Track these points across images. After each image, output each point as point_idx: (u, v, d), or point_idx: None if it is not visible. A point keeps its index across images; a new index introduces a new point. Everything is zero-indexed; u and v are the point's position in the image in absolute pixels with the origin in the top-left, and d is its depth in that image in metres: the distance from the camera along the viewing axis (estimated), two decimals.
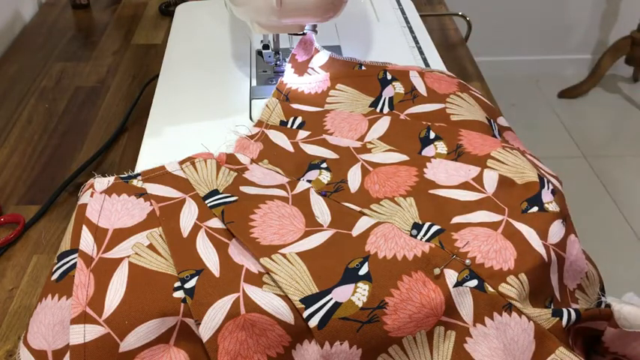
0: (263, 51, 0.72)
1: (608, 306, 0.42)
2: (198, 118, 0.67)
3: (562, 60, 2.41)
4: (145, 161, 0.61)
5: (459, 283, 0.43)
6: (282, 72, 0.72)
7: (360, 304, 0.42)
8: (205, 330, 0.42)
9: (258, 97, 0.69)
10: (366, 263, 0.44)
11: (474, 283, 0.43)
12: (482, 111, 0.62)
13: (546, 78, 2.38)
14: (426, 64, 0.77)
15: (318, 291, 0.43)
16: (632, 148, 2.02)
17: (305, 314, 0.42)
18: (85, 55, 0.97)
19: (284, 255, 0.45)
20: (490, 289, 0.42)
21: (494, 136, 0.58)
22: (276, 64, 0.74)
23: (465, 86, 0.65)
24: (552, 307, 0.44)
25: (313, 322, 0.41)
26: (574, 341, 0.44)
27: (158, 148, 0.63)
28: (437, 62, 0.77)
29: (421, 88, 0.64)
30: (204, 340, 0.42)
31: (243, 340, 0.42)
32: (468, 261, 0.43)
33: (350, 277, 0.43)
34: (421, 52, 0.79)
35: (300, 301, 0.42)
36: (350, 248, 0.45)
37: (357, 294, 0.42)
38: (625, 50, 2.19)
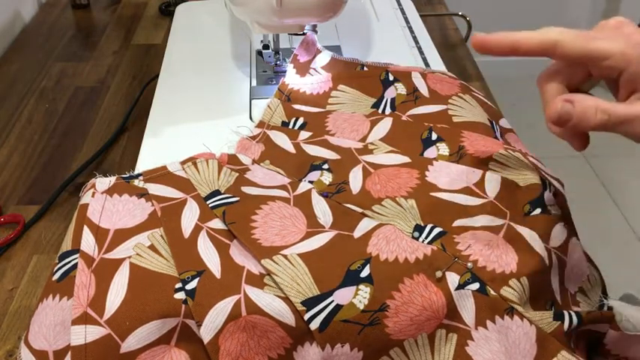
0: (263, 51, 0.72)
1: (610, 309, 0.42)
2: (198, 118, 0.67)
3: None
4: (145, 161, 0.61)
5: (460, 286, 0.43)
6: (282, 72, 0.72)
7: (362, 307, 0.42)
8: (206, 331, 0.42)
9: (258, 97, 0.69)
10: (368, 265, 0.43)
11: (475, 286, 0.42)
12: (484, 113, 0.61)
13: None
14: (426, 64, 0.76)
15: (319, 293, 0.42)
16: (632, 148, 2.02)
17: (306, 317, 0.41)
18: (85, 55, 0.97)
19: (285, 256, 0.45)
20: (492, 292, 0.42)
21: (496, 137, 0.58)
22: (276, 64, 0.74)
23: (466, 88, 0.65)
24: (553, 310, 0.44)
25: (314, 325, 0.41)
26: (576, 344, 0.44)
27: (158, 148, 0.63)
28: (437, 62, 0.77)
29: (423, 90, 0.64)
30: (206, 342, 0.42)
31: (245, 342, 0.42)
32: (469, 264, 0.43)
33: (351, 279, 0.43)
34: (421, 52, 0.79)
35: (301, 303, 0.42)
36: (351, 250, 0.45)
37: (358, 296, 0.42)
38: None
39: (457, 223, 0.47)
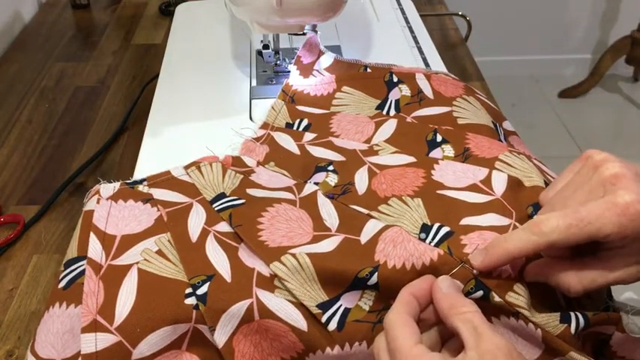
0: (263, 51, 0.72)
1: (615, 311, 0.42)
2: (198, 118, 0.67)
3: (562, 60, 2.41)
4: (145, 161, 0.61)
5: (465, 295, 0.42)
6: (282, 72, 0.72)
7: (367, 308, 0.43)
8: (220, 335, 0.42)
9: (258, 97, 0.69)
10: (376, 274, 0.43)
11: (479, 294, 0.42)
12: (488, 115, 0.61)
13: (546, 78, 2.38)
14: (426, 64, 0.76)
15: (328, 299, 0.43)
16: (632, 148, 2.02)
17: (323, 319, 0.42)
18: (85, 55, 0.97)
19: (294, 255, 0.44)
20: (497, 298, 0.42)
21: (500, 140, 0.58)
22: (276, 64, 0.74)
23: (470, 90, 0.65)
24: (559, 312, 0.44)
25: (332, 326, 0.42)
26: (582, 345, 0.44)
27: (158, 148, 0.63)
28: (437, 62, 0.77)
29: (427, 91, 0.64)
30: (220, 346, 0.42)
31: (258, 343, 0.42)
32: (476, 270, 0.43)
33: (358, 285, 0.43)
34: (421, 52, 0.79)
35: (316, 306, 0.42)
36: (359, 257, 0.44)
37: (363, 299, 0.43)
38: (625, 50, 2.19)
39: (464, 221, 0.46)
